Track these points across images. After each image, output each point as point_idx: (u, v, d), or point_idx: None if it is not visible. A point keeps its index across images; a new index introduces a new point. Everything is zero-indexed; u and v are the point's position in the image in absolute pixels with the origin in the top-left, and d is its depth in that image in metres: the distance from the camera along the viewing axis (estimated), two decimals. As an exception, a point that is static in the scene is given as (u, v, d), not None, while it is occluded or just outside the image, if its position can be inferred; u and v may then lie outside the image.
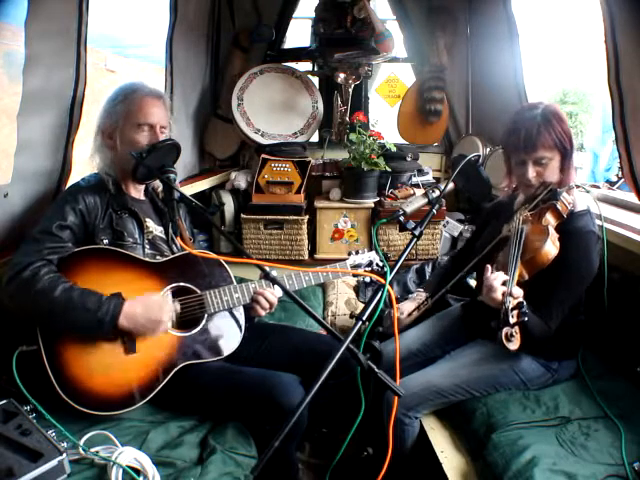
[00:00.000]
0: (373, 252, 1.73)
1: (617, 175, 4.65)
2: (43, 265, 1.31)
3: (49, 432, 1.18)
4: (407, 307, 1.77)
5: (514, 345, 1.19)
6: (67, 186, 1.68)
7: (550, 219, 1.41)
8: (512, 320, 1.20)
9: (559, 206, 1.41)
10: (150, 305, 1.37)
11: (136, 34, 4.34)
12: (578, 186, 1.62)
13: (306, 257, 2.76)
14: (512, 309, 1.22)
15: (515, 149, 1.47)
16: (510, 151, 1.52)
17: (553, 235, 1.36)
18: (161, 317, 1.37)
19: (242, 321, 1.57)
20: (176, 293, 1.49)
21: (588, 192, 1.84)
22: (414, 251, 2.70)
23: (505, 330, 1.19)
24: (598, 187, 2.39)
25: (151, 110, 1.51)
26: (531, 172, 1.46)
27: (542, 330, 1.40)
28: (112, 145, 1.52)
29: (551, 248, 1.34)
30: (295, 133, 2.86)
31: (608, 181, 4.56)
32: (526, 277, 1.34)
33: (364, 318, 1.14)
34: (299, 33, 3.16)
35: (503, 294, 1.26)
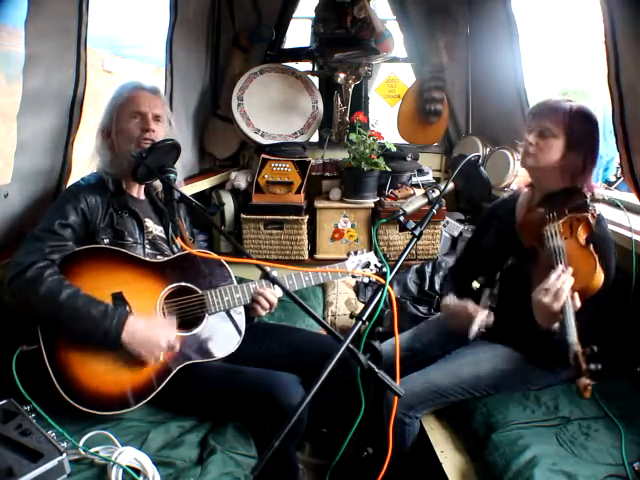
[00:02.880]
0: (371, 253, 1.73)
1: (615, 175, 4.65)
2: (46, 266, 1.31)
3: (49, 432, 1.18)
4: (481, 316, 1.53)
5: (589, 393, 1.11)
6: (67, 186, 1.68)
7: (582, 232, 1.38)
8: (584, 366, 1.10)
9: (591, 219, 1.38)
10: (153, 327, 1.36)
11: (134, 35, 4.34)
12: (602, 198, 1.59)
13: (306, 257, 2.76)
14: (582, 354, 1.12)
15: (530, 116, 1.51)
16: (527, 121, 1.53)
17: (598, 259, 1.31)
18: (160, 343, 1.35)
19: (242, 321, 1.57)
20: (177, 293, 1.49)
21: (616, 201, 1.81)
22: (414, 251, 2.70)
23: (583, 382, 1.09)
24: (596, 187, 2.38)
25: (141, 100, 1.52)
26: (531, 138, 1.47)
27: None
28: (111, 144, 1.52)
29: (600, 275, 1.28)
30: (295, 133, 2.86)
31: (607, 181, 4.56)
32: (578, 306, 1.24)
33: (364, 318, 1.14)
34: (299, 33, 3.16)
35: (563, 304, 1.21)
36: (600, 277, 1.29)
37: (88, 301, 1.31)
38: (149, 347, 1.34)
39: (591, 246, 1.35)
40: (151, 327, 1.36)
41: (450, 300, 1.62)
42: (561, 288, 1.23)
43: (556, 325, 1.29)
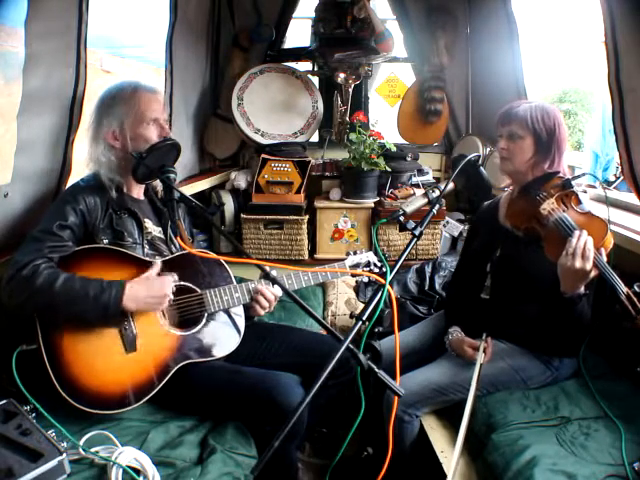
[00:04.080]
0: (371, 252, 1.73)
1: (615, 175, 4.66)
2: (43, 262, 1.31)
3: (49, 432, 1.18)
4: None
5: None
6: (67, 186, 1.68)
7: (574, 204, 1.44)
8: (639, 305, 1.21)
9: (578, 193, 1.45)
10: (151, 282, 1.39)
11: (132, 35, 4.34)
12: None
13: (306, 257, 2.75)
14: (634, 294, 1.22)
15: (496, 124, 1.59)
16: (496, 130, 1.61)
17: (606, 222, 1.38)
18: (164, 291, 1.39)
19: (242, 321, 1.57)
20: (176, 292, 1.49)
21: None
22: (414, 251, 2.70)
23: None
24: (594, 187, 2.39)
25: (154, 106, 1.51)
26: (502, 144, 1.56)
27: (590, 317, 1.42)
28: (119, 146, 1.49)
29: (610, 235, 1.35)
30: (295, 133, 2.86)
31: (606, 181, 4.56)
32: (606, 259, 1.34)
33: (364, 318, 1.14)
34: (299, 33, 3.16)
35: (594, 261, 1.28)
36: (611, 236, 1.36)
37: (84, 281, 1.32)
38: (156, 304, 1.39)
39: (591, 211, 1.42)
40: (150, 286, 1.38)
41: (454, 337, 1.63)
42: (586, 247, 1.29)
43: (582, 289, 1.35)
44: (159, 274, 1.43)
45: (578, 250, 1.29)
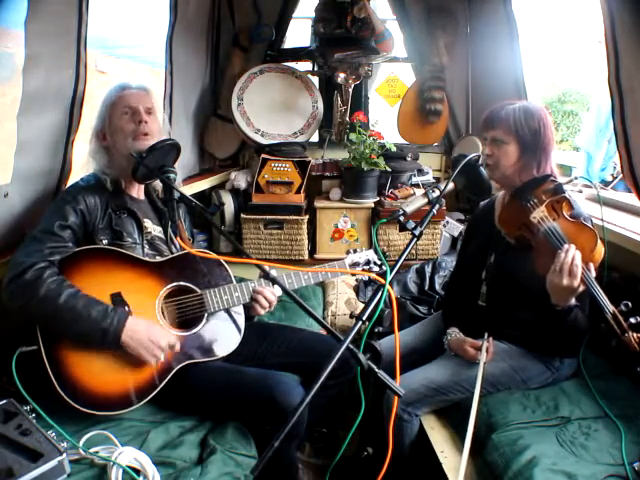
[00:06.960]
0: (371, 250, 1.73)
1: (612, 175, 4.66)
2: (46, 267, 1.31)
3: (49, 432, 1.18)
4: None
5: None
6: (66, 186, 1.68)
7: (566, 211, 1.42)
8: (625, 323, 1.18)
9: (569, 198, 1.44)
10: (152, 326, 1.37)
11: (127, 35, 4.33)
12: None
13: (306, 257, 2.76)
14: (620, 313, 1.19)
15: (481, 129, 1.58)
16: (481, 134, 1.61)
17: (596, 232, 1.36)
18: (160, 342, 1.35)
19: (242, 321, 1.57)
20: (176, 292, 1.49)
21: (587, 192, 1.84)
22: (414, 251, 2.70)
23: (630, 337, 1.17)
24: (591, 187, 2.39)
25: (130, 97, 1.52)
26: (487, 149, 1.55)
27: (587, 323, 1.41)
28: (107, 145, 1.52)
29: (601, 245, 1.33)
30: (295, 133, 2.86)
31: (603, 181, 4.56)
32: (594, 274, 1.30)
33: (364, 318, 1.14)
34: (299, 33, 3.16)
35: (581, 277, 1.27)
36: (602, 247, 1.34)
37: (88, 302, 1.31)
38: (149, 348, 1.34)
39: (581, 219, 1.40)
40: (151, 328, 1.36)
41: (454, 337, 1.63)
42: (574, 264, 1.27)
43: (573, 301, 1.34)
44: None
45: (565, 267, 1.27)
